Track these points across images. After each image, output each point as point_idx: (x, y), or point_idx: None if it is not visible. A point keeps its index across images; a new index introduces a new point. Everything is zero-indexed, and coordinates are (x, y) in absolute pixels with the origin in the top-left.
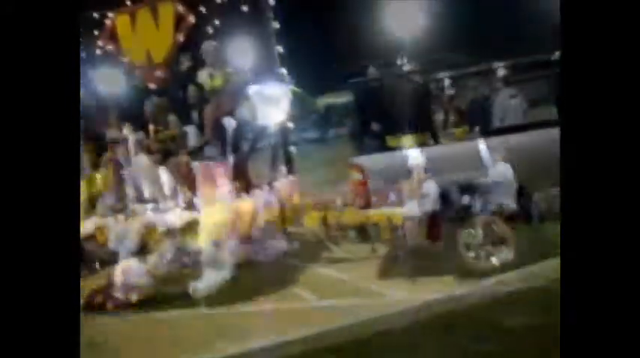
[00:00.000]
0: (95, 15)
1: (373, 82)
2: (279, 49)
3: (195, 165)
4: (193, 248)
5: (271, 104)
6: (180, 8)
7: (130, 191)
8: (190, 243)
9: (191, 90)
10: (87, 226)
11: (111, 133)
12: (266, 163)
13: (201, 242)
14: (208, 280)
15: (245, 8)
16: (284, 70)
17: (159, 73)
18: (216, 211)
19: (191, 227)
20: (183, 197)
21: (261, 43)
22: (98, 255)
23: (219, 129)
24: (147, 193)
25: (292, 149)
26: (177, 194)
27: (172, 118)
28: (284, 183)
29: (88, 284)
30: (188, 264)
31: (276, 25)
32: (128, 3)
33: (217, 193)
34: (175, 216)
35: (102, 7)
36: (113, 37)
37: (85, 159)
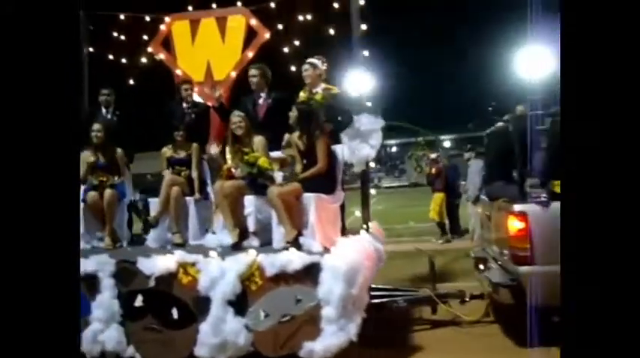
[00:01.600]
0: (147, 18)
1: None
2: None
3: (308, 196)
4: (309, 298)
5: (360, 138)
6: (254, 22)
7: (193, 222)
8: (306, 292)
9: (299, 110)
10: (166, 262)
11: (173, 153)
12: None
13: (323, 291)
14: (329, 341)
15: (332, 31)
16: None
17: (219, 91)
18: (344, 254)
19: (309, 272)
20: (287, 234)
21: (348, 70)
22: (178, 300)
23: (331, 157)
24: (222, 226)
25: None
26: (268, 229)
27: (259, 139)
28: (373, 226)
29: (162, 337)
30: (301, 319)
31: (365, 53)
32: (190, 9)
33: (334, 232)
34: (289, 258)
35: (157, 10)
36: (167, 45)
37: None
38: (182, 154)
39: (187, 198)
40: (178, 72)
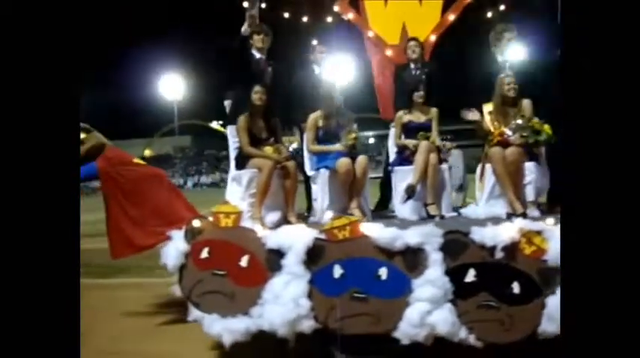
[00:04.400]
0: None
1: None
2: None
3: None
4: None
5: None
6: None
7: (447, 192)
8: None
9: None
10: (509, 232)
11: (412, 117)
12: None
13: None
14: None
15: None
16: None
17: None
18: None
19: None
20: None
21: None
22: (519, 272)
23: None
24: (487, 196)
25: None
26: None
27: (527, 102)
28: None
29: (498, 315)
30: None
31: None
32: None
33: None
34: None
35: None
36: (357, 5)
37: None
38: (423, 119)
39: (442, 167)
40: (370, 34)
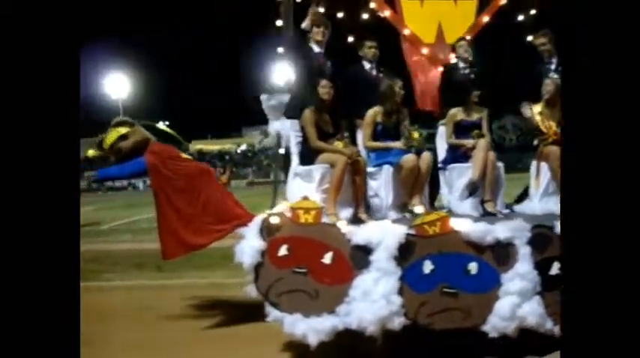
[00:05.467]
0: None
1: None
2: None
3: None
4: None
5: None
6: None
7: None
8: None
9: None
10: None
11: (465, 116)
12: None
13: None
14: None
15: None
16: None
17: (449, 55)
18: None
19: None
20: None
21: None
22: None
23: None
24: (542, 192)
25: None
26: None
27: None
28: None
29: None
30: None
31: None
32: None
33: None
34: None
35: None
36: (393, 2)
37: None
38: (475, 117)
39: (498, 164)
40: (406, 31)
